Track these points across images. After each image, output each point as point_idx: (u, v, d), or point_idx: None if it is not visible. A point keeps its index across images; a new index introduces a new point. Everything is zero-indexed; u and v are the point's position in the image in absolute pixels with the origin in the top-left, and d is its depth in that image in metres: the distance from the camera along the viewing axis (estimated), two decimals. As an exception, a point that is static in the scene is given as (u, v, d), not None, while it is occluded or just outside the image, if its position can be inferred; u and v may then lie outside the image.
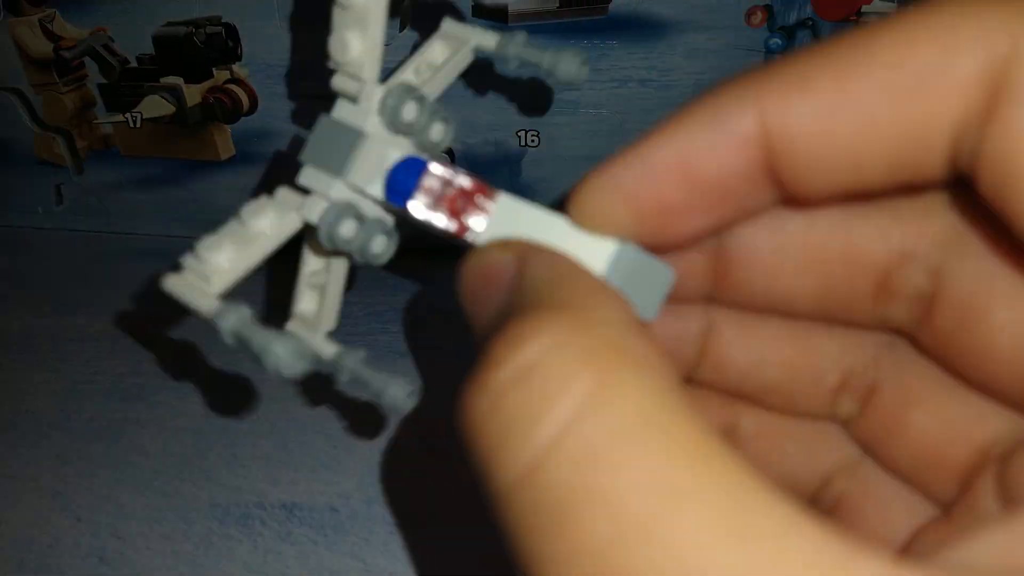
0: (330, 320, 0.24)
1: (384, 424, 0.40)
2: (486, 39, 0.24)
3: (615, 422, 0.12)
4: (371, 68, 0.21)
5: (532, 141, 0.50)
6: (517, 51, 0.24)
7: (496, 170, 0.52)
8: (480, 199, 0.20)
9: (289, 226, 0.21)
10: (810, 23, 0.45)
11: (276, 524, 0.36)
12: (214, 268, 0.20)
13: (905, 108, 0.15)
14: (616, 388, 0.13)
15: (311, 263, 0.24)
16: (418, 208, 0.20)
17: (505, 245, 0.18)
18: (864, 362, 0.22)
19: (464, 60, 0.24)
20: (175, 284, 0.20)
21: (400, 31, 0.48)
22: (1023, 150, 0.14)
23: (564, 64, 0.23)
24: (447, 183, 0.20)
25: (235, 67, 0.51)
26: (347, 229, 0.20)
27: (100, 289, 0.54)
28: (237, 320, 0.19)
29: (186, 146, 0.55)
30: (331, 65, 0.22)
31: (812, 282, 0.20)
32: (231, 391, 0.44)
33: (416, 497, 0.37)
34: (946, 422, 0.20)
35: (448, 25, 0.25)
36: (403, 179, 0.20)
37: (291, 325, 0.24)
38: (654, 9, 0.47)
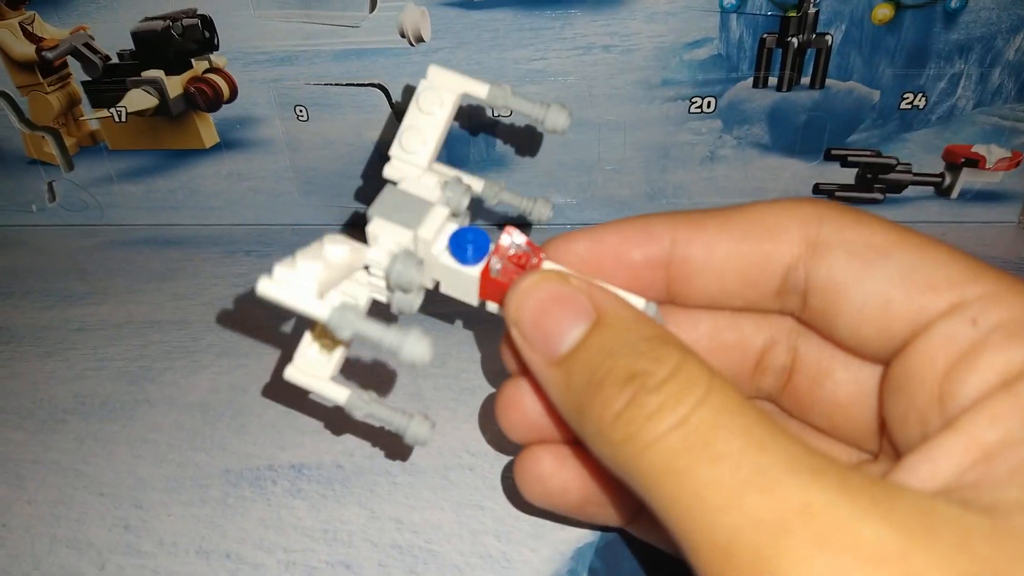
0: (334, 371, 0.30)
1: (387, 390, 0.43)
2: (476, 88, 0.29)
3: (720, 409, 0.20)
4: (430, 161, 0.29)
5: (504, 112, 0.53)
6: (507, 101, 0.29)
7: (471, 143, 0.54)
8: (537, 259, 0.27)
9: (361, 259, 0.27)
10: (761, -20, 0.47)
11: (287, 483, 0.38)
12: (307, 274, 0.24)
13: (756, 246, 0.25)
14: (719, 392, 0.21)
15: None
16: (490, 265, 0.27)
17: (563, 277, 0.25)
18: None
19: (455, 110, 0.30)
20: (267, 287, 0.23)
21: (370, 12, 0.50)
22: (832, 278, 0.24)
23: (552, 116, 0.29)
24: (518, 246, 0.27)
25: (213, 57, 0.53)
26: (417, 273, 0.26)
27: (98, 280, 0.56)
28: (353, 317, 0.23)
29: (171, 137, 0.57)
30: (392, 151, 0.29)
31: (716, 360, 0.29)
32: (234, 367, 0.46)
33: (415, 450, 0.40)
34: (851, 392, 0.26)
35: (436, 73, 0.29)
36: (474, 242, 0.27)
37: (293, 367, 0.29)
38: (612, -24, 0.49)
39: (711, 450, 0.19)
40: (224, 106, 0.55)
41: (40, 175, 0.60)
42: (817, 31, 0.49)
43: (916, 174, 0.53)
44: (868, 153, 0.52)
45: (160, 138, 0.57)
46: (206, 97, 0.54)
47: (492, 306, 0.29)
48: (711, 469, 0.19)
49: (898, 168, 0.53)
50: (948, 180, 0.53)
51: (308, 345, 0.29)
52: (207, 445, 0.41)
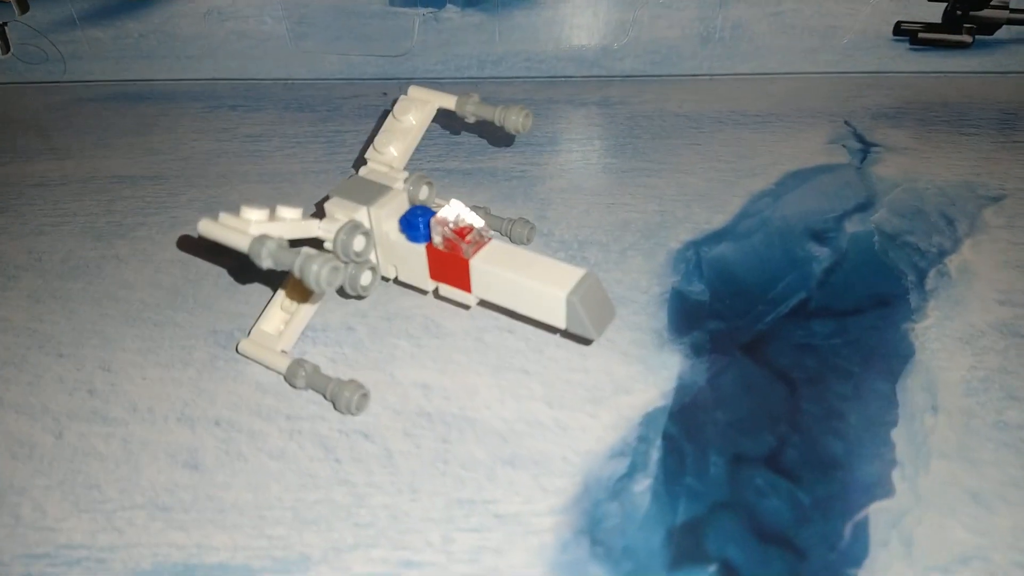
0: (288, 343, 0.31)
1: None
2: (446, 101, 0.32)
3: None
4: (402, 162, 0.32)
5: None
6: (473, 109, 0.31)
7: (496, -32, 0.46)
8: (475, 235, 0.27)
9: (309, 227, 0.27)
10: None
11: (287, 344, 0.32)
12: (250, 219, 0.25)
13: None
14: None
15: (290, 291, 0.31)
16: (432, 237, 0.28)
17: None
18: None
19: (429, 119, 0.32)
20: (208, 227, 0.25)
21: None
22: None
23: (511, 117, 0.31)
24: (456, 220, 0.27)
25: None
26: (359, 243, 0.26)
27: (61, 136, 0.48)
28: (274, 246, 0.24)
29: (141, -34, 0.48)
30: (368, 154, 0.32)
31: None
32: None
33: (442, 313, 0.33)
34: None
35: (414, 90, 0.32)
36: (421, 217, 0.28)
37: (248, 340, 0.31)
38: None
39: None
40: (202, -75, 0.46)
41: (-12, 15, 0.51)
42: None
43: (1013, 10, 0.46)
44: (962, -16, 0.45)
45: (128, -33, 0.48)
46: (180, -86, 0.46)
47: (446, 289, 0.29)
48: None
49: (993, 3, 0.45)
50: (1050, 19, 0.46)
51: (264, 322, 0.31)
52: (189, 304, 0.34)
